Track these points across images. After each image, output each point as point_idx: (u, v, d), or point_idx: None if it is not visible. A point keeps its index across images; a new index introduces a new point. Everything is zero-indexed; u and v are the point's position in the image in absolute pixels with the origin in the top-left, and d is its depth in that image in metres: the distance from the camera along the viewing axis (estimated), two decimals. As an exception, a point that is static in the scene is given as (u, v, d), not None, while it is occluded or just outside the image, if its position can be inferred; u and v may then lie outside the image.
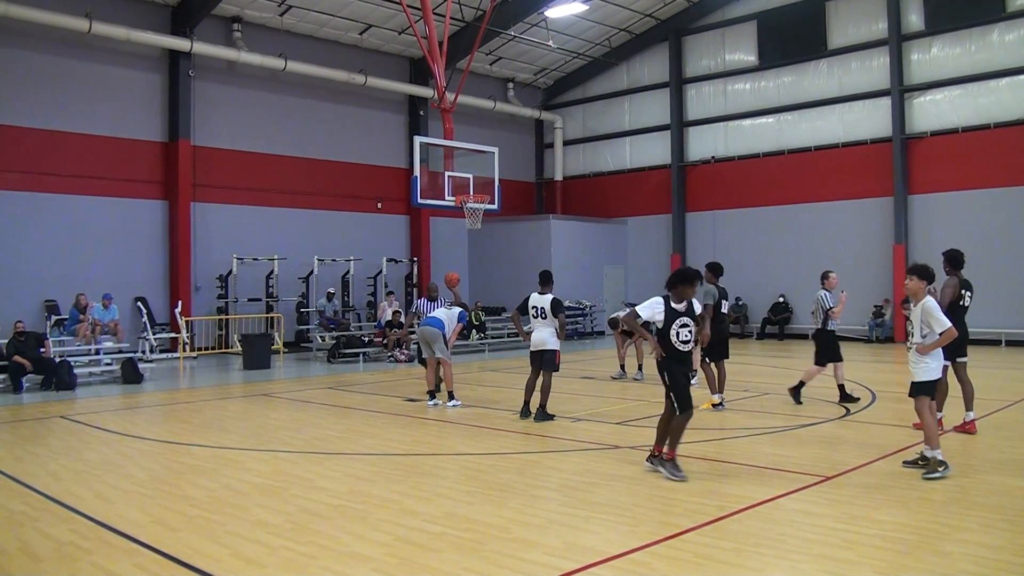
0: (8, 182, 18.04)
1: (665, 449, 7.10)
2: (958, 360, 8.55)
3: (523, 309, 10.41)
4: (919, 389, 7.05)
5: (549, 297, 10.15)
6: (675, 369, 7.02)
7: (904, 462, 7.24)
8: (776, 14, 24.47)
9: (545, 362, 10.10)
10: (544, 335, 10.11)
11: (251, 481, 7.17)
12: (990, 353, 18.33)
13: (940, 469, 6.80)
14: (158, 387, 14.62)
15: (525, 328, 10.88)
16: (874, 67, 22.89)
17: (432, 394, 11.71)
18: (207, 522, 5.91)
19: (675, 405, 7.01)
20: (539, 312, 10.14)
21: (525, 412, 10.24)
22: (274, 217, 22.45)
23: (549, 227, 25.75)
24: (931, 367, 7.00)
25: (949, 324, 6.89)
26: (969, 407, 8.71)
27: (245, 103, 22.11)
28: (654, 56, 27.48)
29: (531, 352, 10.29)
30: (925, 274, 7.06)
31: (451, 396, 11.52)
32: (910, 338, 7.24)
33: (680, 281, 7.00)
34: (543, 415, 10.06)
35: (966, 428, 8.65)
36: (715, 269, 11.13)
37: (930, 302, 6.99)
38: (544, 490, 6.82)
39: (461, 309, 11.81)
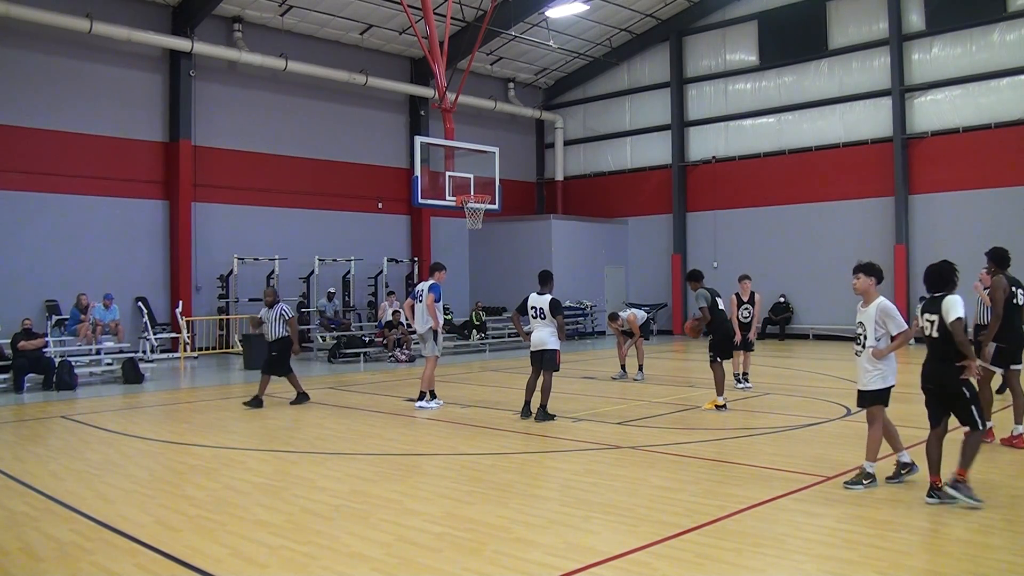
0: (8, 182, 18.05)
1: (956, 469, 6.15)
2: (1012, 367, 8.03)
3: (522, 309, 10.41)
4: (873, 398, 6.57)
5: (548, 297, 10.13)
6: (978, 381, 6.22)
7: (888, 478, 6.68)
8: (777, 14, 24.46)
9: (545, 362, 10.10)
10: (544, 335, 10.10)
11: (252, 481, 7.18)
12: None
13: (865, 482, 6.45)
14: (159, 387, 14.63)
15: (525, 328, 10.86)
16: (875, 67, 22.89)
17: (433, 394, 11.63)
18: (208, 522, 5.92)
19: (977, 420, 6.09)
20: (538, 312, 10.13)
21: (526, 412, 10.24)
22: (275, 217, 22.45)
23: (550, 227, 25.75)
24: (886, 373, 6.55)
25: (906, 325, 6.43)
26: (1020, 420, 8.08)
27: (246, 103, 22.11)
28: (655, 56, 27.48)
29: (531, 352, 10.28)
30: (872, 271, 6.66)
31: (422, 396, 11.35)
32: (855, 344, 6.68)
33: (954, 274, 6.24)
34: (544, 415, 10.06)
35: (1014, 442, 8.00)
36: (696, 276, 11.21)
37: (885, 302, 6.53)
38: (544, 490, 6.83)
39: (434, 282, 11.38)
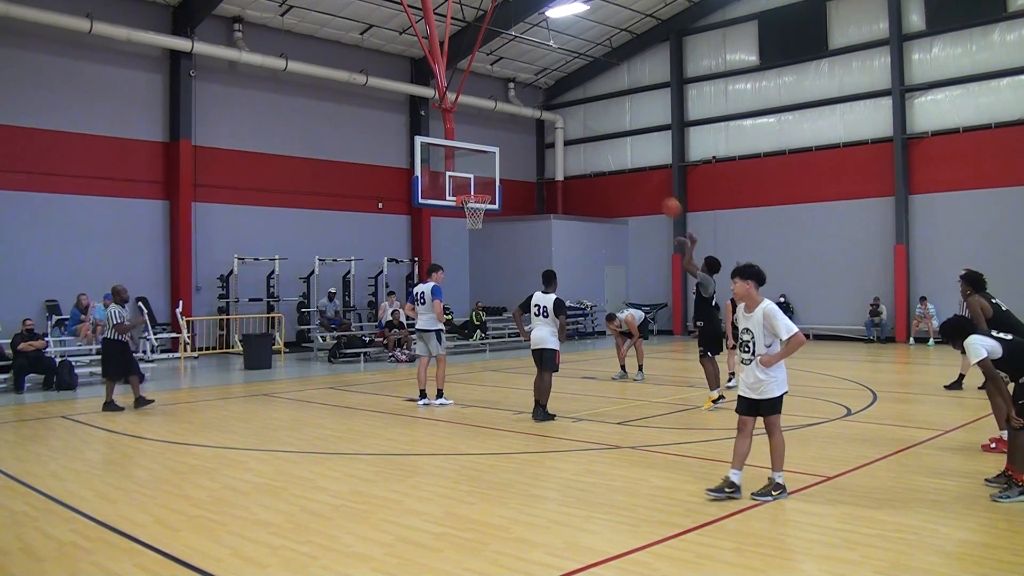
0: (8, 182, 18.05)
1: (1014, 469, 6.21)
2: None
3: (525, 307, 10.44)
4: (772, 406, 6.21)
5: (553, 297, 10.20)
6: None
7: (709, 490, 6.29)
8: (777, 14, 24.46)
9: (545, 361, 10.13)
10: (544, 334, 10.14)
11: (252, 481, 7.18)
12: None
13: (775, 492, 6.19)
14: (159, 387, 14.62)
15: (526, 327, 10.89)
16: (875, 67, 22.89)
17: (423, 393, 11.59)
18: (208, 522, 5.92)
19: None
20: (540, 311, 10.18)
21: (537, 413, 10.24)
22: (275, 217, 22.45)
23: (550, 227, 25.75)
24: (780, 380, 6.21)
25: (796, 329, 6.12)
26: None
27: (246, 103, 22.11)
28: (655, 56, 27.48)
29: (532, 351, 10.34)
30: (749, 274, 6.30)
31: (440, 394, 11.52)
32: (742, 351, 6.33)
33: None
34: (543, 415, 10.07)
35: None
36: (713, 265, 11.16)
37: (770, 306, 6.18)
38: (544, 490, 6.82)
39: (436, 284, 11.44)
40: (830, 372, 15.34)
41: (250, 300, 21.32)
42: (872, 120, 23.01)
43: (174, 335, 19.47)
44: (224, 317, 20.87)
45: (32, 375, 14.16)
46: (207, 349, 20.25)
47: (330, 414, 11.21)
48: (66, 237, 18.81)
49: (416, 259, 25.12)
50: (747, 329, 6.32)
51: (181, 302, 19.64)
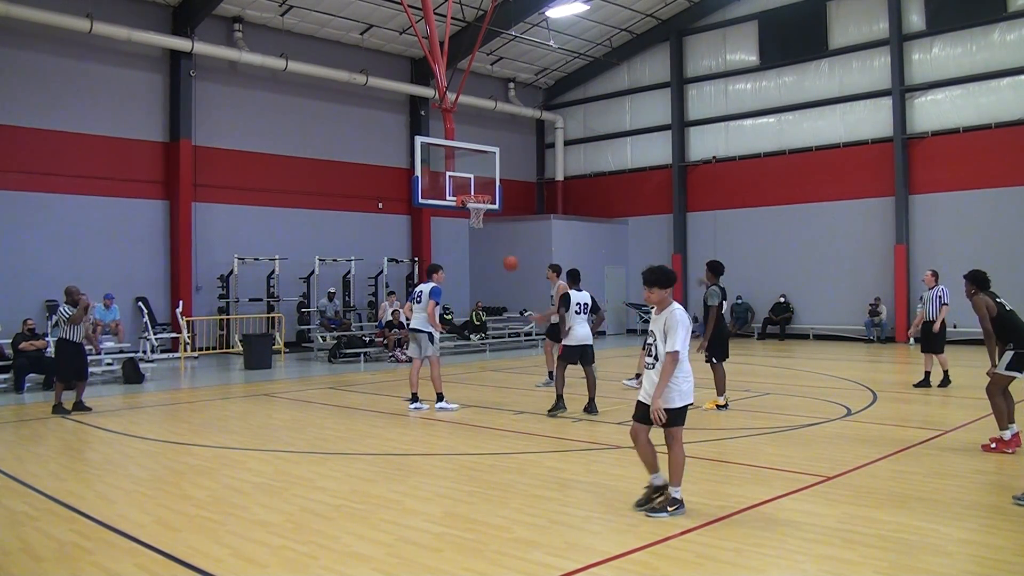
0: (8, 182, 18.05)
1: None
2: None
3: (567, 306, 10.67)
4: (673, 418, 5.81)
5: (587, 294, 10.79)
6: None
7: (638, 504, 6.01)
8: (777, 14, 24.46)
9: (590, 356, 10.59)
10: (588, 330, 10.64)
11: (252, 481, 7.18)
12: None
13: (671, 508, 5.79)
14: (159, 387, 14.62)
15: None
16: (875, 67, 22.88)
17: (415, 397, 11.25)
18: (208, 522, 5.91)
19: None
20: (583, 308, 10.61)
21: (561, 406, 10.47)
22: (275, 217, 22.45)
23: (550, 227, 25.74)
24: (683, 391, 5.86)
25: (679, 348, 5.68)
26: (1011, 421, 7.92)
27: (246, 103, 22.11)
28: (655, 56, 27.48)
29: (573, 347, 10.52)
30: (647, 279, 5.95)
31: (440, 398, 11.20)
32: (649, 356, 5.96)
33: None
34: (594, 408, 10.46)
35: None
36: (716, 268, 11.04)
37: (675, 314, 5.76)
38: (544, 490, 6.82)
39: (435, 285, 11.15)
40: (830, 372, 15.35)
41: (250, 300, 21.31)
42: (872, 120, 23.00)
43: (174, 335, 19.47)
44: (224, 317, 20.87)
45: (32, 375, 14.16)
46: (207, 349, 20.24)
47: (330, 414, 11.21)
48: (66, 237, 18.80)
49: (416, 259, 25.11)
50: (651, 332, 5.94)
51: (181, 302, 19.63)
